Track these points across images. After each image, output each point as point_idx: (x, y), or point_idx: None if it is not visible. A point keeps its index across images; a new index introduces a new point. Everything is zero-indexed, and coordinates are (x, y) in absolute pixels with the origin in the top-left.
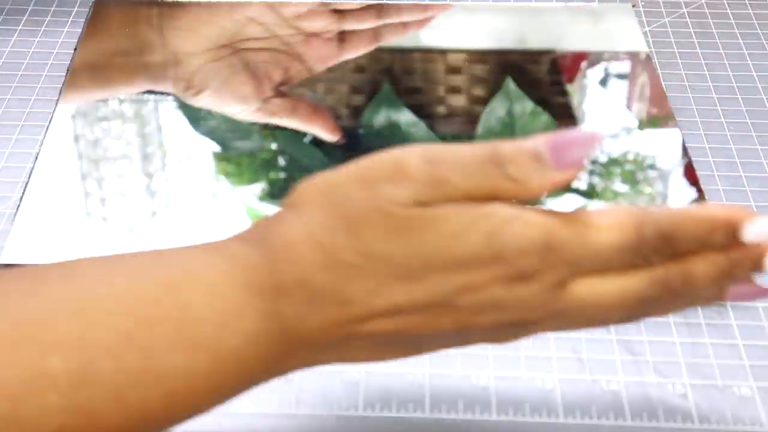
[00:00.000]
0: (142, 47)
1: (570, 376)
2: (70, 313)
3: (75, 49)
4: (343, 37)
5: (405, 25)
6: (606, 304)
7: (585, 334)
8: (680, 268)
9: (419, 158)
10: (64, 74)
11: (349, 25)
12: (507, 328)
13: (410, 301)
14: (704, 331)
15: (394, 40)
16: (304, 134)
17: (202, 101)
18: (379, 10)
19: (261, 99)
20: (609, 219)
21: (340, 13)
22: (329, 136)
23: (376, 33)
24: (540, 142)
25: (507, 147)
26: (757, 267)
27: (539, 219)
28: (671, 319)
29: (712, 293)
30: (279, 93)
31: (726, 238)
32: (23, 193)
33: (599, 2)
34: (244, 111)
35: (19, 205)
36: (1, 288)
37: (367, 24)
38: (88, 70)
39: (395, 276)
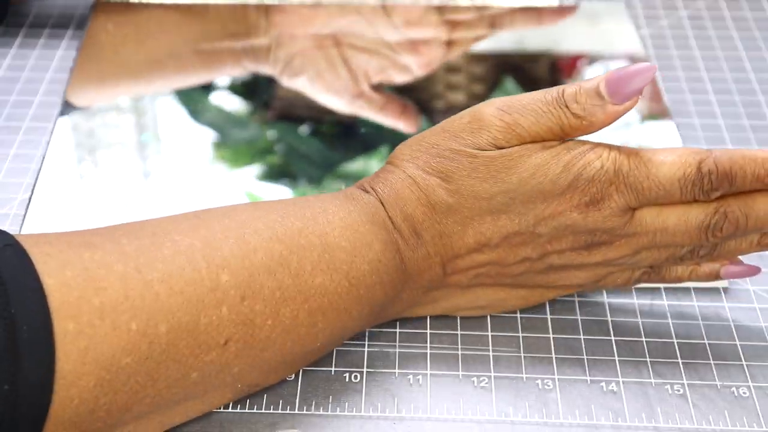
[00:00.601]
0: (249, 30)
1: (569, 377)
2: (232, 240)
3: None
4: (450, 42)
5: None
6: (670, 229)
7: (585, 335)
8: (740, 201)
9: (493, 108)
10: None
11: (459, 34)
12: (584, 254)
13: (497, 231)
14: (702, 332)
15: None
16: (301, 124)
17: (297, 84)
18: (492, 20)
19: (353, 94)
20: (672, 155)
21: (451, 22)
22: (409, 129)
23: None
24: (598, 79)
25: (569, 88)
26: None
27: (608, 151)
28: (670, 320)
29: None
30: (373, 88)
31: None
32: (31, 194)
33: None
34: (335, 103)
35: (28, 205)
36: (168, 225)
37: (478, 32)
38: (196, 54)
39: (483, 210)
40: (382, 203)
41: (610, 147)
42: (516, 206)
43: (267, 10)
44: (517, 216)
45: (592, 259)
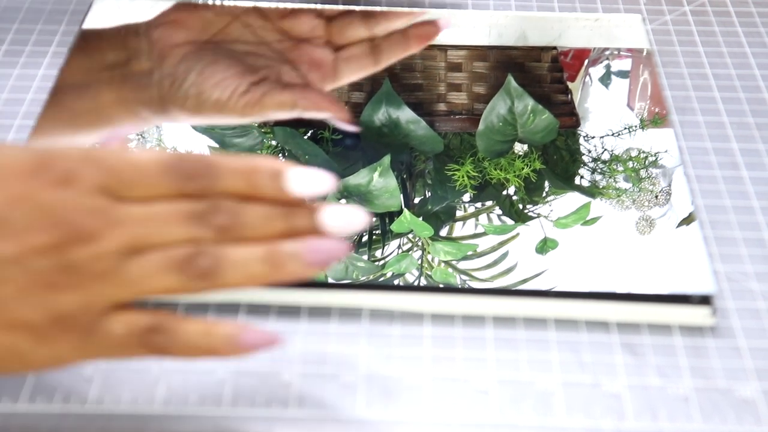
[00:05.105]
0: (130, 56)
1: (571, 379)
2: None
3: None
4: (337, 47)
5: (406, 38)
6: (158, 215)
7: (586, 337)
8: (230, 202)
9: None
10: (45, 99)
11: (337, 31)
12: (64, 253)
13: None
14: (706, 332)
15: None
16: (305, 131)
17: (189, 90)
18: (364, 16)
19: (248, 82)
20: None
21: (326, 17)
22: (340, 120)
23: (374, 47)
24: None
25: None
26: (315, 221)
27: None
28: (671, 321)
29: (287, 251)
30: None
31: (272, 182)
32: None
33: (603, 12)
34: (232, 96)
35: None
36: None
37: (356, 31)
38: (74, 89)
39: None
40: None
41: None
42: None
43: (146, 29)
44: None
45: (78, 256)
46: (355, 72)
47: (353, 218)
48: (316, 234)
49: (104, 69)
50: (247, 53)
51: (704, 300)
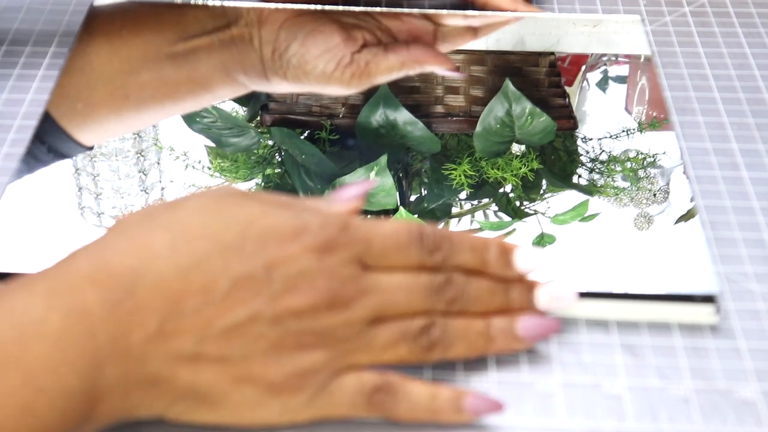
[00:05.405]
0: (230, 21)
1: (572, 380)
2: None
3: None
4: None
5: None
6: (401, 286)
7: (587, 337)
8: (463, 274)
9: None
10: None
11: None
12: (322, 316)
13: (228, 271)
14: (706, 333)
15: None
16: (301, 131)
17: (290, 60)
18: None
19: (351, 51)
20: (398, 220)
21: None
22: (447, 70)
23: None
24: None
25: None
26: (530, 297)
27: (338, 212)
28: (675, 319)
29: (501, 326)
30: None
31: (499, 257)
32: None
33: (603, 13)
34: (336, 69)
35: None
36: None
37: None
38: (173, 59)
39: (212, 249)
40: None
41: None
42: (248, 245)
43: None
44: (250, 256)
45: (330, 321)
46: (455, 46)
47: (564, 296)
48: (529, 309)
49: (203, 35)
50: (347, 14)
51: (707, 299)
